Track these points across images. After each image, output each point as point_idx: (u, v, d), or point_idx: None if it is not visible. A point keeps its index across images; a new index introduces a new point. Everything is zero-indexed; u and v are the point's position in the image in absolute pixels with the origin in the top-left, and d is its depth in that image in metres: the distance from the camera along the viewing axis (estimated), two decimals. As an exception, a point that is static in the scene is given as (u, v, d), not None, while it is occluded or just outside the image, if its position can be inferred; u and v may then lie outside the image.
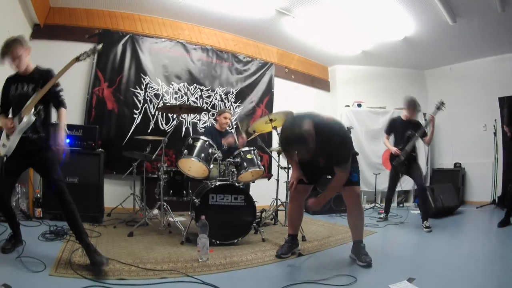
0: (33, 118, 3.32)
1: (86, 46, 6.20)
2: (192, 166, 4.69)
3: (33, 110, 3.28)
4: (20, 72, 3.41)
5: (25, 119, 3.25)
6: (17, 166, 3.39)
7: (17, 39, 3.30)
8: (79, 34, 6.48)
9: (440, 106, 5.57)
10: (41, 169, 3.43)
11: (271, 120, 4.96)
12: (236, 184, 4.39)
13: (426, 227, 5.26)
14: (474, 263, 3.67)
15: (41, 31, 6.22)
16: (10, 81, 3.44)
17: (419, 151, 6.20)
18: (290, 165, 3.96)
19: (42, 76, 3.40)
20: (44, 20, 6.28)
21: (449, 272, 3.26)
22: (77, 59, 3.36)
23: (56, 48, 6.17)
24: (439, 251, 4.19)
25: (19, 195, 4.96)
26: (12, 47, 3.26)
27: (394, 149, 5.84)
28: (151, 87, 6.76)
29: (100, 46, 3.49)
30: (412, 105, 5.80)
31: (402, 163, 5.75)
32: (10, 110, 3.45)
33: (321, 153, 3.24)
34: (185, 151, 4.54)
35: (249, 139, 5.74)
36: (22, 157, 3.31)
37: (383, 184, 6.92)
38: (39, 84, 3.34)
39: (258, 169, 4.74)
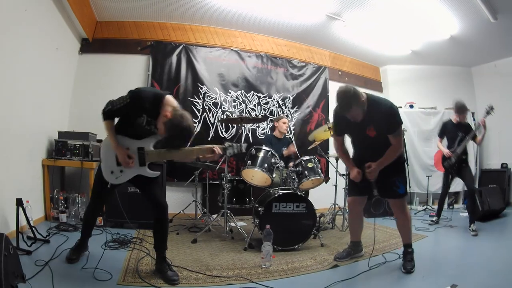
0: (158, 174, 3.32)
1: (139, 58, 6.66)
2: (255, 175, 4.87)
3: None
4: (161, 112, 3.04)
5: (152, 173, 3.23)
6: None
7: None
8: (130, 46, 6.65)
9: (489, 110, 5.68)
10: (148, 190, 3.31)
11: (329, 128, 5.08)
12: (298, 192, 4.49)
13: (473, 231, 5.38)
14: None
15: (90, 45, 6.42)
16: (144, 106, 3.02)
17: (469, 152, 6.19)
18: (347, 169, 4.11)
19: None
20: (92, 35, 6.46)
21: (491, 279, 3.36)
22: (224, 150, 3.33)
23: (108, 61, 6.43)
24: (483, 256, 4.25)
25: (79, 205, 5.10)
26: None
27: (446, 151, 5.98)
28: (209, 96, 6.81)
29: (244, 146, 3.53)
30: (463, 109, 5.95)
31: (453, 165, 5.90)
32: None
33: (372, 121, 3.52)
34: (249, 161, 4.75)
35: (309, 148, 5.81)
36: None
37: (435, 185, 6.88)
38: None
39: (318, 177, 4.87)
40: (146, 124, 3.11)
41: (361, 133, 3.66)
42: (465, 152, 5.93)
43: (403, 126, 3.67)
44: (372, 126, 3.57)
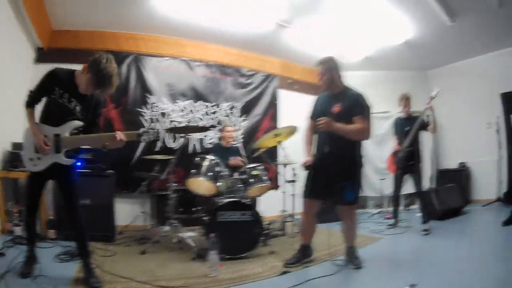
0: (73, 161, 3.35)
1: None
2: (200, 185, 4.84)
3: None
4: (78, 83, 3.25)
5: (67, 160, 3.24)
6: (42, 179, 3.38)
7: None
8: (82, 56, 6.41)
9: (434, 96, 5.76)
10: (65, 189, 3.42)
11: (276, 135, 5.16)
12: (243, 200, 4.55)
13: (424, 230, 5.45)
14: (477, 266, 3.73)
15: (45, 55, 6.29)
16: (58, 80, 3.21)
17: (424, 152, 6.26)
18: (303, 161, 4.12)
19: (91, 104, 3.37)
20: (47, 44, 6.35)
21: (451, 277, 3.37)
22: (139, 136, 3.41)
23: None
24: (442, 255, 4.24)
25: (34, 217, 5.04)
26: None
27: (395, 146, 6.11)
28: (157, 106, 6.82)
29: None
30: (405, 98, 6.14)
31: (402, 159, 5.90)
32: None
33: (342, 101, 3.85)
34: (193, 170, 4.74)
35: (254, 155, 5.86)
36: (47, 171, 3.23)
37: (389, 188, 6.97)
38: (88, 110, 3.35)
39: (263, 184, 4.93)
40: (62, 98, 3.22)
41: (327, 110, 3.87)
42: (413, 144, 5.88)
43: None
44: (340, 104, 3.83)
